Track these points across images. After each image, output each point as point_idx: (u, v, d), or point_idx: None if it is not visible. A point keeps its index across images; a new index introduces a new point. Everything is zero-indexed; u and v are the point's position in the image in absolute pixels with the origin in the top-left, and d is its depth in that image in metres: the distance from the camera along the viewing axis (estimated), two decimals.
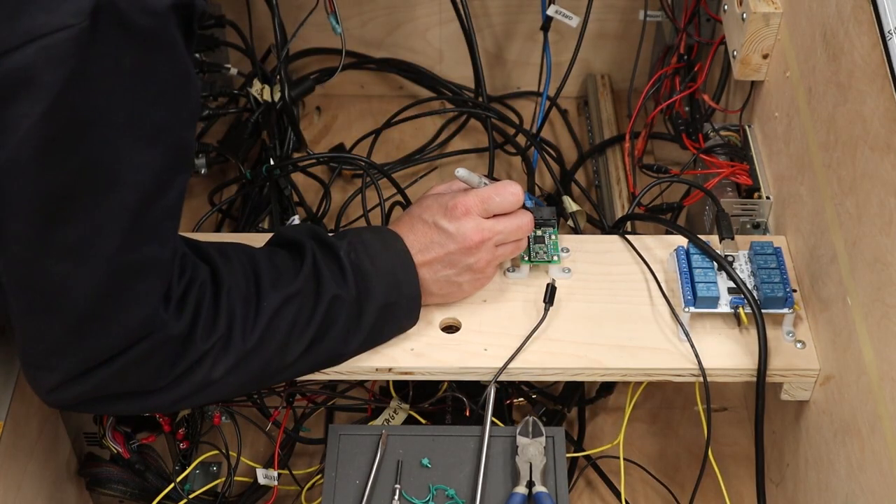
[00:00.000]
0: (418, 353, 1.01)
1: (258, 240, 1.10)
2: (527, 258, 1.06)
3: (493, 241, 0.99)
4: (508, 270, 1.07)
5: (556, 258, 1.06)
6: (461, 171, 0.99)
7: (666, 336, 1.02)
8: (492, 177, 1.00)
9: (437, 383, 1.12)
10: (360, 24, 1.55)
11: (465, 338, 1.02)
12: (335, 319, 0.93)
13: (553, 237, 1.08)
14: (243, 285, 0.90)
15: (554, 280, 1.04)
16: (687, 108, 1.33)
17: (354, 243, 0.96)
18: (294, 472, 1.18)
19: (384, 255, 0.96)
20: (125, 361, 0.84)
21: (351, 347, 0.96)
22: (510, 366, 1.00)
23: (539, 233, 1.08)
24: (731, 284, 1.02)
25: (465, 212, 0.97)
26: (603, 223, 1.33)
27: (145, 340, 0.84)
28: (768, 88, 1.16)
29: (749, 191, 1.18)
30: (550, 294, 1.03)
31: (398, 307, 0.97)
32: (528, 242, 1.07)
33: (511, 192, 0.99)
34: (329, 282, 0.93)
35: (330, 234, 0.98)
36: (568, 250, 1.09)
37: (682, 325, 1.02)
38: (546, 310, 1.02)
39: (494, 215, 0.99)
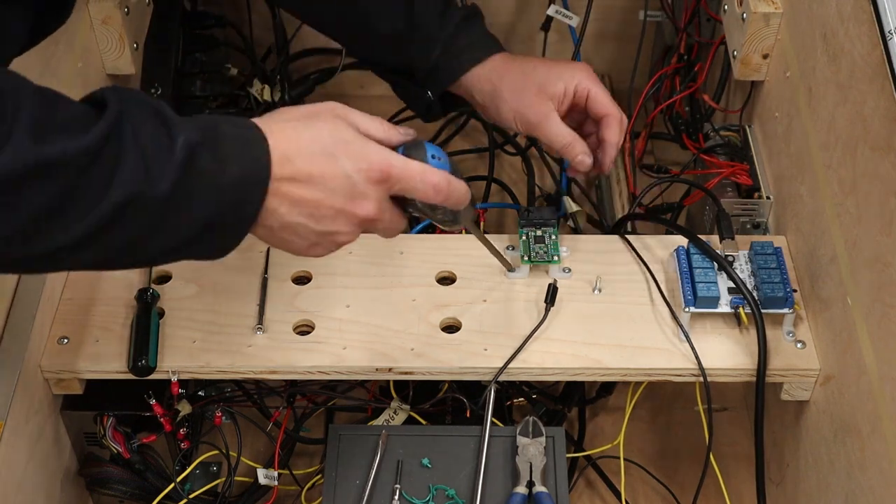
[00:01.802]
0: (418, 353, 1.01)
1: (258, 240, 1.11)
2: (527, 258, 1.06)
3: (377, 225, 0.80)
4: (509, 270, 1.07)
5: (556, 258, 1.06)
6: (425, 144, 0.82)
7: (666, 336, 1.02)
8: (452, 162, 0.83)
9: (438, 384, 1.12)
10: None
11: (465, 338, 1.02)
12: (125, 224, 0.69)
13: (553, 237, 1.08)
14: None
15: (556, 280, 1.04)
16: (687, 108, 1.33)
17: (206, 134, 0.71)
18: (294, 472, 1.18)
19: (238, 162, 0.72)
20: None
21: (140, 257, 0.75)
22: (510, 366, 1.00)
23: (539, 233, 1.08)
24: (732, 284, 1.02)
25: (382, 180, 0.77)
26: (603, 223, 1.33)
27: None
28: (768, 88, 1.16)
29: (749, 191, 1.18)
30: (552, 294, 1.03)
31: (223, 228, 0.74)
32: (529, 242, 1.07)
33: (440, 193, 0.79)
34: (132, 171, 0.67)
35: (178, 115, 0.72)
36: (568, 250, 1.09)
37: (682, 325, 1.02)
38: (547, 310, 1.02)
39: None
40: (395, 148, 0.80)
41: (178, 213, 0.70)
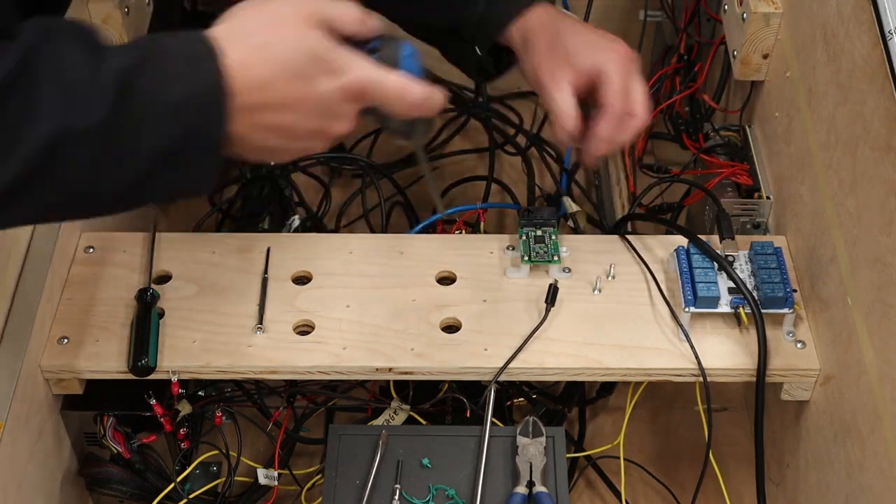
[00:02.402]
0: (418, 353, 1.01)
1: (258, 240, 1.11)
2: (527, 258, 1.06)
3: (343, 134, 0.75)
4: (509, 270, 1.07)
5: (556, 258, 1.06)
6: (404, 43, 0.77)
7: (666, 336, 1.02)
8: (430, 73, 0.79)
9: (438, 384, 1.12)
10: None
11: (465, 338, 1.02)
12: (59, 166, 0.64)
13: (553, 237, 1.08)
14: None
15: (556, 280, 1.04)
16: (687, 108, 1.33)
17: (143, 56, 0.66)
18: (294, 472, 1.18)
19: (183, 82, 0.67)
20: None
21: (98, 200, 0.69)
22: (510, 366, 1.00)
23: (539, 233, 1.08)
24: (732, 284, 1.02)
25: (359, 97, 0.73)
26: (603, 223, 1.33)
27: None
28: (768, 88, 1.16)
29: (749, 191, 1.18)
30: (553, 294, 1.03)
31: (186, 158, 0.68)
32: (529, 242, 1.07)
33: (415, 109, 0.76)
34: (51, 106, 0.62)
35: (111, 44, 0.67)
36: (568, 250, 1.09)
37: (682, 325, 1.02)
38: (547, 310, 1.02)
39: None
40: (367, 42, 0.75)
41: (120, 146, 0.65)
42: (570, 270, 1.07)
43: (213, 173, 0.70)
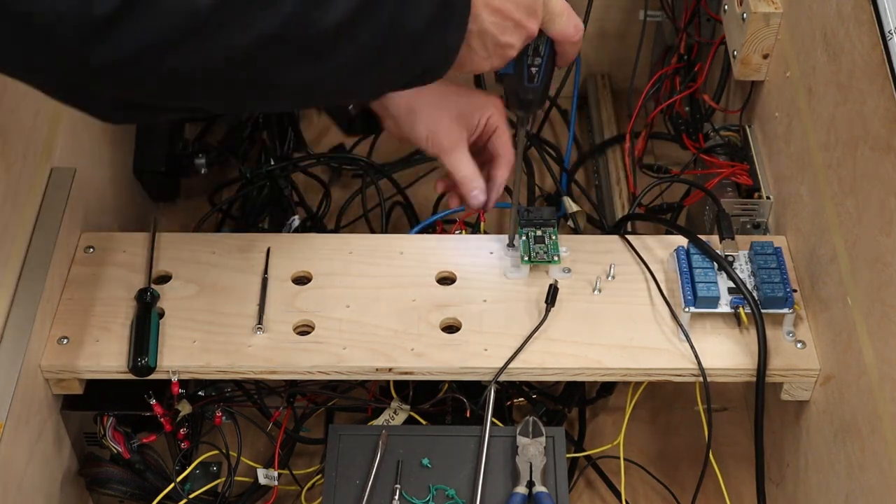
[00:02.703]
0: (418, 353, 1.01)
1: (258, 240, 1.11)
2: (527, 258, 1.06)
3: (514, 52, 0.87)
4: (508, 270, 1.07)
5: (556, 258, 1.06)
6: None
7: (666, 336, 1.02)
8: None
9: (438, 384, 1.12)
10: None
11: (465, 338, 1.02)
12: (376, 7, 0.73)
13: (553, 237, 1.08)
14: None
15: (556, 281, 1.04)
16: (687, 108, 1.33)
17: None
18: (294, 472, 1.18)
19: None
20: None
21: (395, 57, 0.77)
22: (510, 366, 1.00)
23: (539, 233, 1.08)
24: (732, 284, 1.02)
25: (547, 1, 0.86)
26: (603, 223, 1.33)
27: None
28: (768, 88, 1.16)
29: (749, 191, 1.18)
30: (552, 294, 1.03)
31: (452, 13, 0.78)
32: (529, 242, 1.07)
33: (578, 32, 0.89)
34: None
35: None
36: (568, 250, 1.09)
37: (682, 325, 1.02)
38: (547, 310, 1.02)
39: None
40: None
41: (412, 2, 0.74)
42: (569, 270, 1.07)
43: (458, 42, 0.80)
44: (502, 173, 1.02)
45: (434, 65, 0.80)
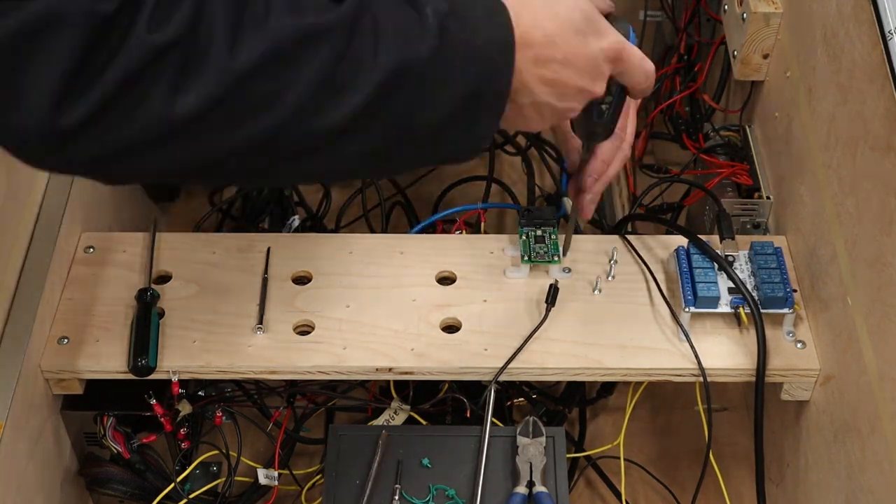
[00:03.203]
0: (418, 353, 1.01)
1: (258, 240, 1.11)
2: (527, 258, 1.06)
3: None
4: (508, 269, 1.07)
5: (556, 258, 1.06)
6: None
7: (666, 336, 1.02)
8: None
9: (438, 384, 1.12)
10: None
11: (465, 338, 1.02)
12: (395, 96, 0.68)
13: (553, 237, 1.08)
14: None
15: (557, 281, 1.04)
16: (687, 108, 1.33)
17: (452, 3, 0.70)
18: (294, 472, 1.18)
19: (485, 29, 0.71)
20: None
21: (407, 147, 0.73)
22: (510, 366, 1.00)
23: (539, 233, 1.08)
24: (732, 284, 1.02)
25: (616, 60, 0.80)
26: (603, 223, 1.33)
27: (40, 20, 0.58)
28: (768, 88, 1.16)
29: (749, 191, 1.18)
30: (553, 295, 1.03)
31: (483, 102, 0.72)
32: (529, 242, 1.07)
33: (649, 79, 0.84)
34: (393, 39, 0.67)
35: None
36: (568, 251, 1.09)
37: (682, 325, 1.02)
38: (547, 310, 1.02)
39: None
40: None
41: (441, 83, 0.69)
42: (570, 270, 1.07)
43: (492, 128, 0.74)
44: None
45: (460, 155, 0.76)
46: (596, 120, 0.88)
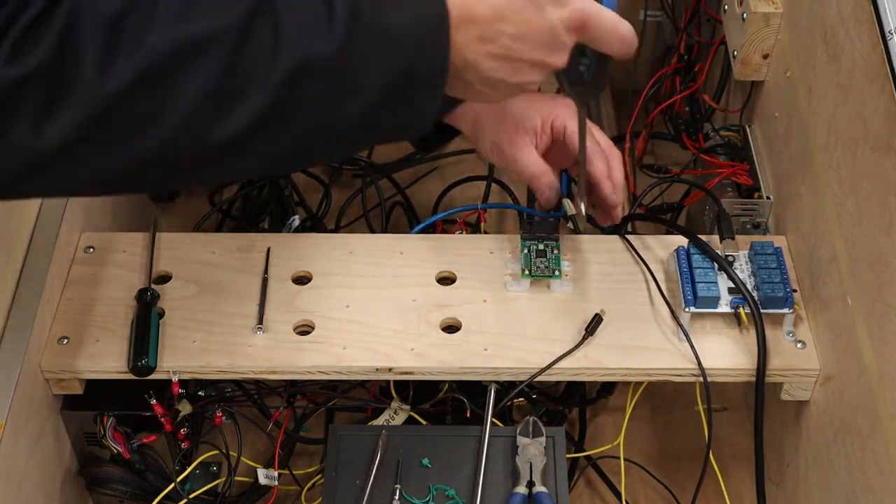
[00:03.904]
0: (418, 353, 1.01)
1: (258, 240, 1.11)
2: (527, 272, 1.06)
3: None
4: (509, 283, 1.06)
5: (557, 272, 1.06)
6: None
7: (666, 336, 1.02)
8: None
9: (438, 384, 1.12)
10: None
11: (465, 338, 1.02)
12: (302, 94, 0.65)
13: (555, 251, 1.07)
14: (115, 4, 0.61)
15: (603, 311, 1.02)
16: (687, 108, 1.33)
17: None
18: (294, 472, 1.18)
19: (414, 2, 0.68)
20: None
21: (329, 141, 0.70)
22: (510, 366, 1.00)
23: (541, 246, 1.07)
24: (732, 284, 1.02)
25: (579, 28, 0.73)
26: None
27: None
28: (768, 88, 1.16)
29: (749, 191, 1.18)
30: (595, 324, 1.02)
31: (416, 83, 0.68)
32: (530, 256, 1.06)
33: (625, 44, 0.76)
34: (295, 35, 0.64)
35: None
36: (570, 264, 1.08)
37: (682, 325, 1.02)
38: (584, 338, 1.01)
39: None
40: None
41: (356, 73, 0.66)
42: (570, 285, 1.06)
43: (433, 107, 0.70)
44: (594, 167, 0.99)
45: (405, 134, 0.73)
46: (575, 85, 0.81)
